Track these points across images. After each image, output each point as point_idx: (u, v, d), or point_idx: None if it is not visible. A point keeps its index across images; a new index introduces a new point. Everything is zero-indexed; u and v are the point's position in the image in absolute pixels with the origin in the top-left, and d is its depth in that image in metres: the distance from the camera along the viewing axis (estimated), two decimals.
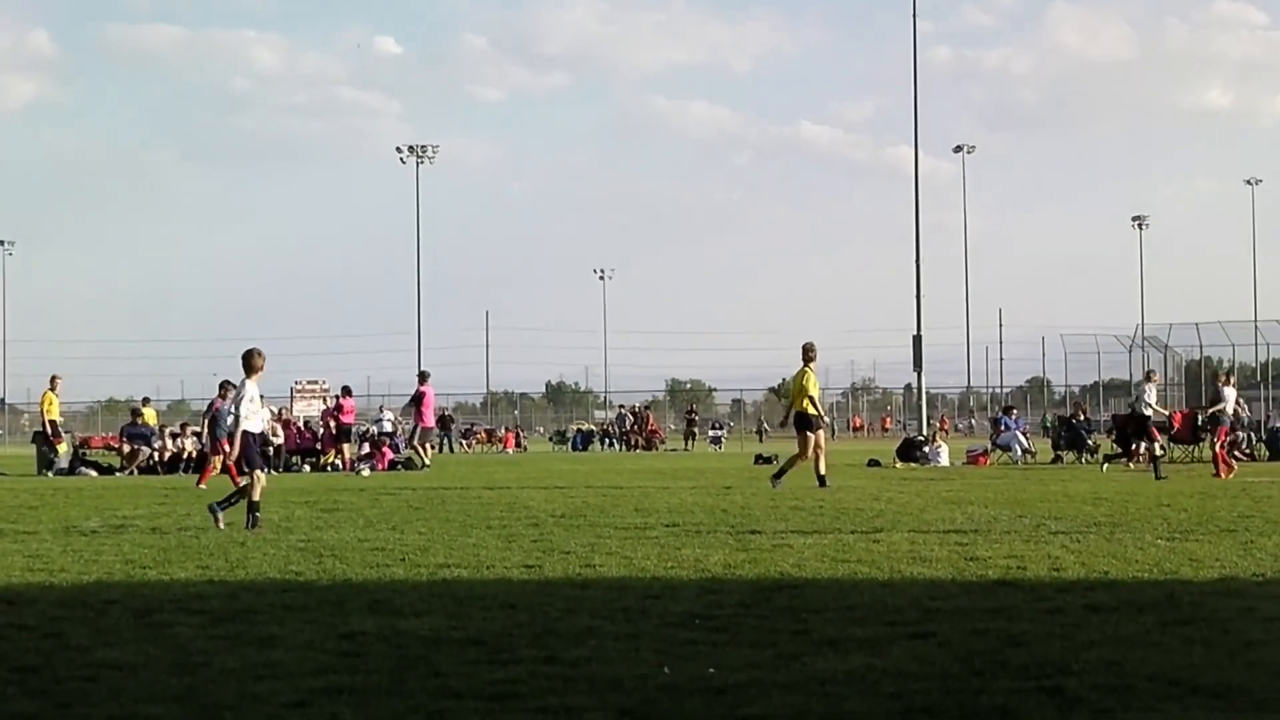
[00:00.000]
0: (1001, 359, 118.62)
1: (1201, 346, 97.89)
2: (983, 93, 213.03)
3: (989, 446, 44.57)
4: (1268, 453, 42.59)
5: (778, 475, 26.71)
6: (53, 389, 41.17)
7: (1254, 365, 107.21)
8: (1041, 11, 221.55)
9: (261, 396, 19.10)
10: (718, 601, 10.84)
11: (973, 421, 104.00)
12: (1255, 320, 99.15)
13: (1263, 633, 9.14)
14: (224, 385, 31.10)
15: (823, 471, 26.63)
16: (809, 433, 26.93)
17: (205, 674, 8.17)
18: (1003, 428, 45.34)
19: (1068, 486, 26.14)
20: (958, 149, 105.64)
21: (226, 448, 29.99)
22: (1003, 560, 13.44)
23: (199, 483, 29.33)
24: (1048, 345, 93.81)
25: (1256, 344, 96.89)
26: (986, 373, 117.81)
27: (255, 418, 18.86)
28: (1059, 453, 42.87)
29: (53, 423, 40.59)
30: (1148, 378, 35.35)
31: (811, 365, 27.55)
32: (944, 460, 41.68)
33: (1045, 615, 9.99)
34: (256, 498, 18.26)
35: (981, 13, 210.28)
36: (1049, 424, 47.87)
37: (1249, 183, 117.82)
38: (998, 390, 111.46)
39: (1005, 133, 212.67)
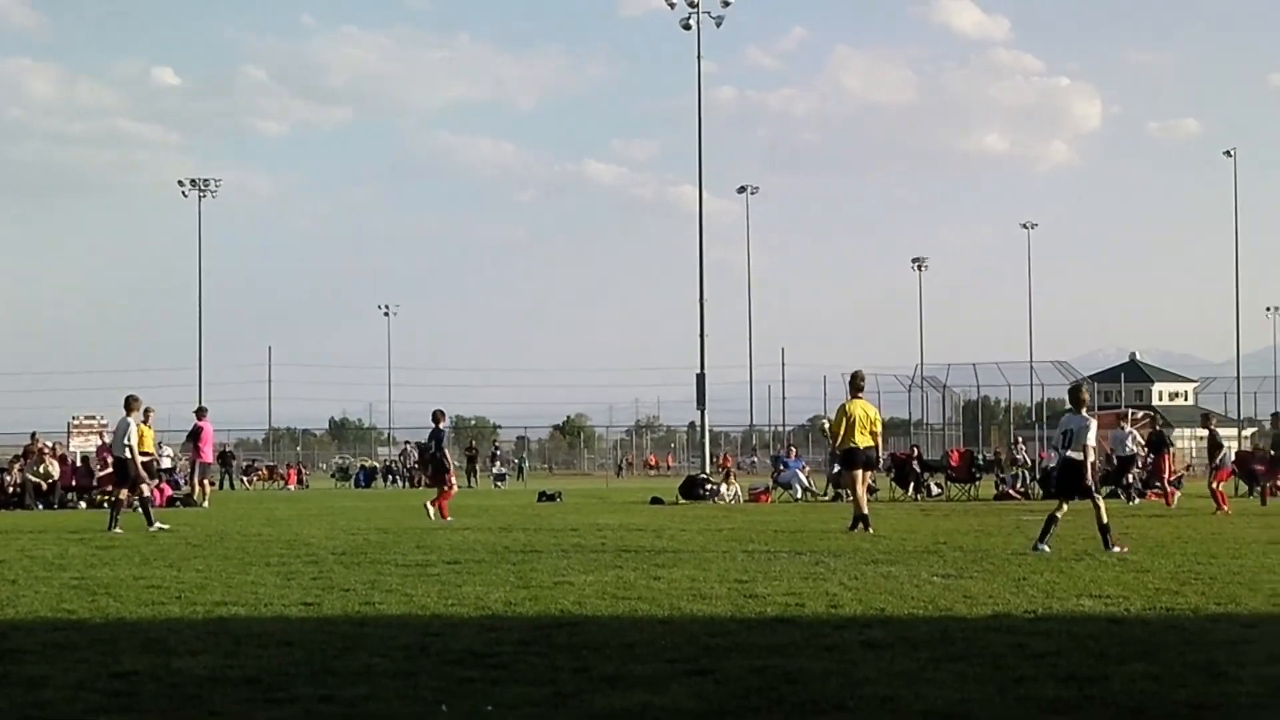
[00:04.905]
0: (784, 398, 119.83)
1: (979, 387, 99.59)
2: (767, 133, 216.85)
3: (770, 484, 44.92)
4: (1041, 491, 43.39)
5: (857, 524, 24.57)
6: (146, 421, 40.47)
7: (1029, 405, 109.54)
8: (824, 55, 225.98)
9: None
10: (497, 639, 10.82)
11: (755, 460, 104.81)
12: (1031, 361, 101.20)
13: (1033, 669, 9.31)
14: (436, 415, 30.92)
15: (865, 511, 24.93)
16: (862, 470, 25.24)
17: None
18: (782, 466, 45.77)
19: (847, 524, 26.40)
20: (741, 189, 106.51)
21: (453, 479, 30.35)
22: (781, 597, 13.55)
23: (442, 515, 28.92)
24: (829, 384, 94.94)
25: (1032, 384, 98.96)
26: (769, 411, 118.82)
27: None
28: (839, 491, 43.30)
29: (147, 453, 39.79)
30: (1274, 421, 35.95)
31: (862, 395, 25.64)
32: (728, 499, 41.91)
33: (822, 652, 10.10)
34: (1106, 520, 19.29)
35: (765, 55, 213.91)
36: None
37: (1025, 226, 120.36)
38: (780, 429, 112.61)
39: (789, 173, 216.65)
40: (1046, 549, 18.94)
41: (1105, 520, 19.28)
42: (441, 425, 30.92)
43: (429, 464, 31.61)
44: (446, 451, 30.92)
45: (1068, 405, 20.74)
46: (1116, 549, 18.81)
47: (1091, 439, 19.55)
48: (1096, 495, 19.57)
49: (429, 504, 29.26)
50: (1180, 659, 9.71)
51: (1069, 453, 19.66)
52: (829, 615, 12.31)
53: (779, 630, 11.33)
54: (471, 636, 11.02)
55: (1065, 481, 19.90)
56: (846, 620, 11.94)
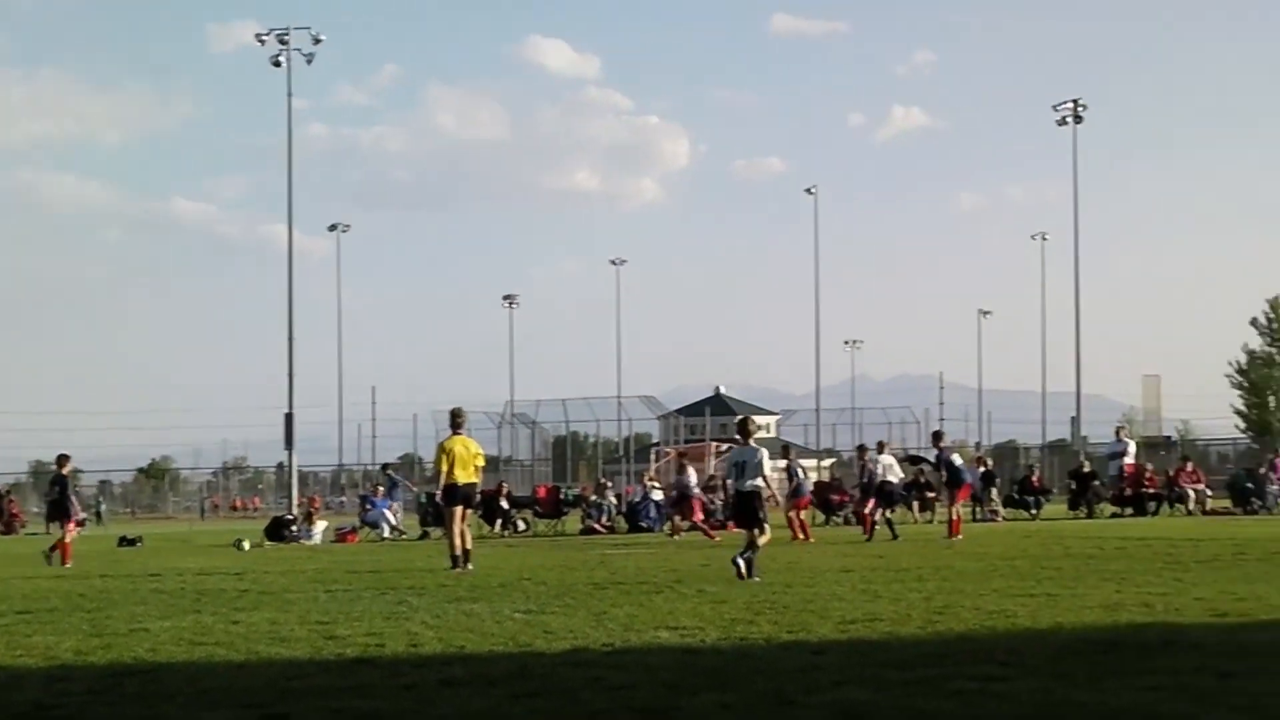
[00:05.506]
0: (374, 436, 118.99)
1: (568, 422, 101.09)
2: (359, 171, 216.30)
3: (358, 524, 44.68)
4: (627, 525, 44.08)
5: (458, 563, 24.00)
6: None
7: (618, 440, 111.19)
8: (417, 92, 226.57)
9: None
10: (65, 690, 10.50)
11: (344, 499, 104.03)
12: (619, 396, 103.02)
13: (608, 702, 9.41)
14: (60, 460, 31.02)
15: (470, 547, 24.54)
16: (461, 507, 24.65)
17: None
18: (369, 505, 45.54)
19: (433, 561, 26.37)
20: (333, 227, 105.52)
21: (73, 526, 29.11)
22: (362, 638, 13.45)
23: (64, 560, 29.32)
24: (419, 423, 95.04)
25: (620, 419, 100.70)
26: (359, 450, 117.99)
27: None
28: (426, 529, 43.27)
29: None
30: (881, 448, 36.20)
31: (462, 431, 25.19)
32: (317, 538, 41.51)
33: (400, 691, 10.05)
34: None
35: (358, 91, 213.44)
36: (420, 500, 48.53)
37: (614, 263, 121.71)
38: (370, 467, 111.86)
39: (381, 211, 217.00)
40: (757, 579, 19.55)
41: (759, 547, 20.14)
42: (65, 470, 30.57)
43: (51, 509, 31.22)
44: (72, 497, 30.60)
45: (736, 436, 21.57)
46: (756, 578, 19.53)
47: (768, 469, 20.55)
48: (764, 525, 20.44)
49: (48, 551, 28.82)
50: (751, 687, 9.92)
51: (744, 484, 20.43)
52: (409, 654, 12.25)
53: (358, 671, 11.24)
54: (38, 688, 10.67)
55: (743, 512, 20.72)
56: (426, 659, 11.91)
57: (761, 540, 20.34)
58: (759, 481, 20.43)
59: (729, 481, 22.28)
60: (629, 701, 9.41)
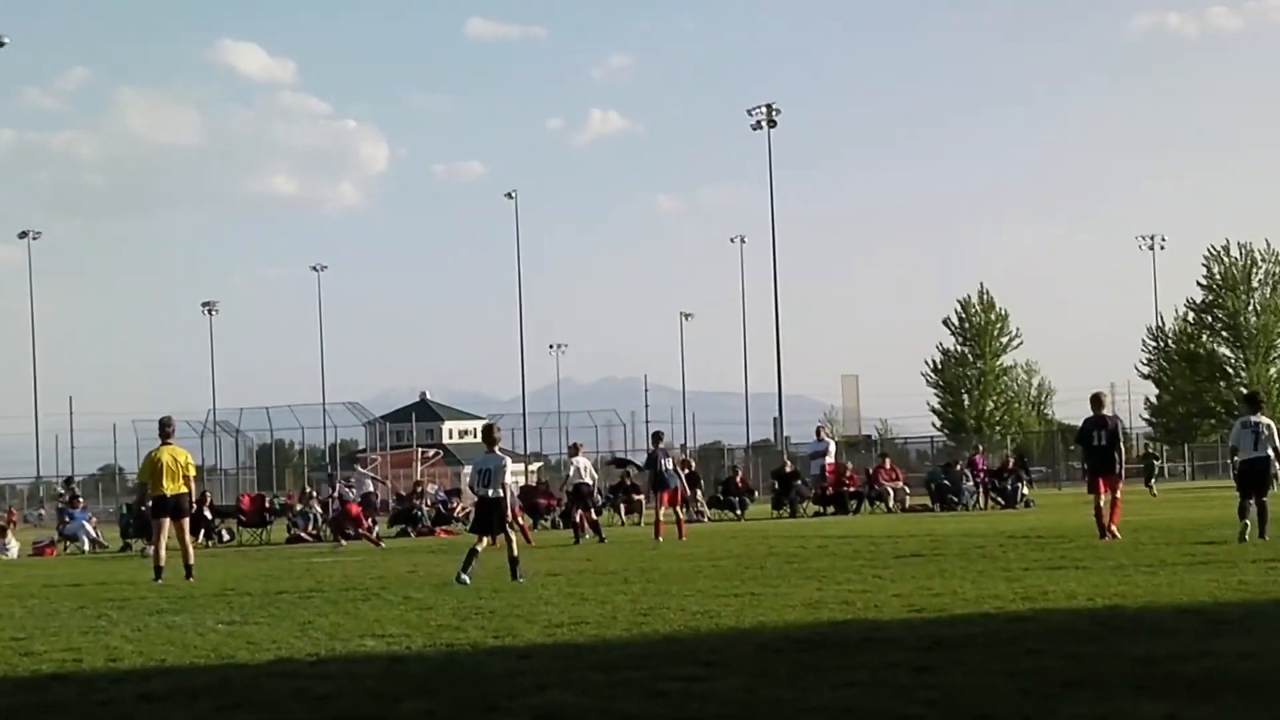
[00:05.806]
0: (73, 447, 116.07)
1: (272, 430, 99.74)
2: (49, 176, 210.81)
3: (56, 537, 43.59)
4: (333, 533, 43.59)
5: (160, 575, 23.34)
6: None
7: (323, 447, 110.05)
8: (107, 96, 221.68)
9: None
10: None
11: (43, 512, 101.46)
12: (324, 403, 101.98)
13: (311, 712, 9.34)
14: None
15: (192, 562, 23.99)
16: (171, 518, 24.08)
17: None
18: (68, 518, 44.45)
19: (135, 574, 25.84)
20: (23, 234, 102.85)
21: None
22: (59, 654, 13.14)
23: None
24: (119, 432, 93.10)
25: (325, 426, 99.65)
26: (58, 461, 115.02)
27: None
28: (128, 541, 42.41)
29: None
30: (575, 451, 36.65)
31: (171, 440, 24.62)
32: (13, 553, 40.41)
33: (97, 708, 9.86)
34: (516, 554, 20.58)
35: (45, 95, 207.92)
36: (123, 511, 47.58)
37: (315, 268, 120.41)
38: (78, 478, 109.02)
39: (74, 218, 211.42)
40: (468, 580, 19.61)
41: (516, 554, 20.51)
42: None
43: None
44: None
45: (481, 442, 21.67)
46: (523, 579, 19.98)
47: (508, 477, 20.97)
48: (511, 530, 20.98)
49: None
50: (456, 694, 9.92)
51: (488, 491, 20.59)
52: (107, 669, 11.99)
53: (53, 688, 10.98)
54: None
55: (483, 518, 20.85)
56: (125, 673, 11.67)
57: (514, 543, 20.72)
58: (500, 490, 20.56)
59: (473, 488, 22.40)
60: (333, 711, 9.35)
